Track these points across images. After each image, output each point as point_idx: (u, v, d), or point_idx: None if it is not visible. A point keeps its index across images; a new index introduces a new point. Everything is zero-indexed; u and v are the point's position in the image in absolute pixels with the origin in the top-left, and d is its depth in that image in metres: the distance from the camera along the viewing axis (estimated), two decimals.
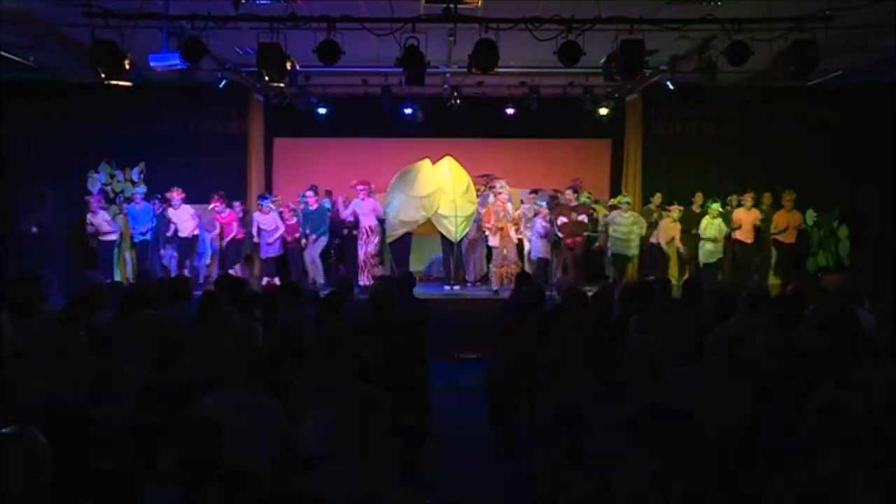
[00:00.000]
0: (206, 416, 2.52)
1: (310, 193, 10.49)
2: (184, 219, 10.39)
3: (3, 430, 2.16)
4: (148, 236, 10.51)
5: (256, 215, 10.48)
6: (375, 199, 10.36)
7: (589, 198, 10.87)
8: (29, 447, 2.12)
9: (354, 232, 10.43)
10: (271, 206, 10.44)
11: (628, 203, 10.59)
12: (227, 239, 10.66)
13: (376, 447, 2.41)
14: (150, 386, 3.28)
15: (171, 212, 10.40)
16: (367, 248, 10.19)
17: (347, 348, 3.53)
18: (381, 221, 10.34)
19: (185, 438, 2.31)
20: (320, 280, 10.37)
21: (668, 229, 10.61)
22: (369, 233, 10.23)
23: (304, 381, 3.58)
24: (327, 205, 10.99)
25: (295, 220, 10.57)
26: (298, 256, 10.52)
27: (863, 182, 11.56)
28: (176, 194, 10.34)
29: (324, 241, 10.53)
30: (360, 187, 10.21)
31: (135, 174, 11.39)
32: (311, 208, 10.41)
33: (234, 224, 10.64)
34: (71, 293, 5.52)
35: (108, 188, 11.18)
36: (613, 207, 10.75)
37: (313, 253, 10.44)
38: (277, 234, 10.47)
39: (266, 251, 10.53)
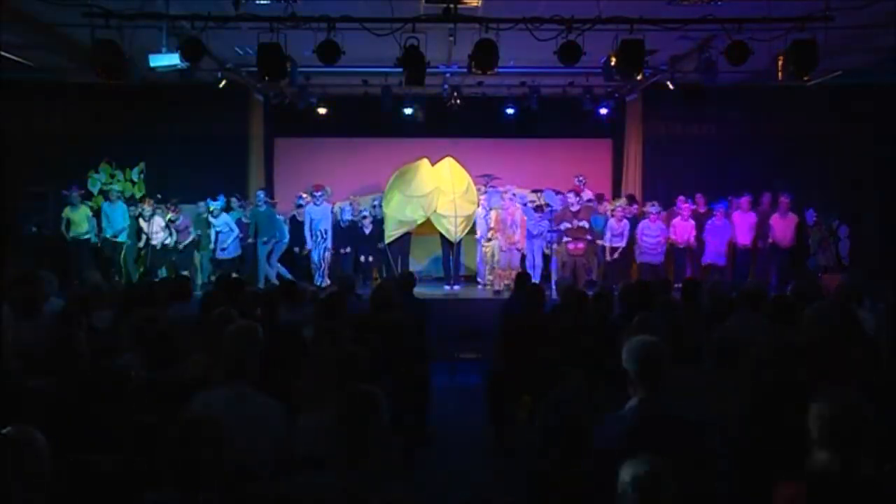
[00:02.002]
0: (202, 414, 2.52)
1: (260, 193, 10.50)
2: (155, 230, 10.34)
3: (3, 431, 2.15)
4: (122, 237, 10.37)
5: (210, 218, 10.44)
6: (330, 204, 10.54)
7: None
8: (28, 447, 2.12)
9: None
10: (219, 209, 10.38)
11: (655, 213, 10.47)
12: (183, 244, 10.55)
13: (375, 447, 2.41)
14: (150, 386, 3.28)
15: (141, 222, 10.38)
16: (321, 250, 10.34)
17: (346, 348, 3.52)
18: (336, 227, 10.48)
19: (185, 438, 2.30)
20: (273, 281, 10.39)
21: (682, 228, 10.55)
22: (322, 236, 10.31)
23: (304, 381, 3.58)
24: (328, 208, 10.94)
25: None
26: (252, 257, 10.51)
27: (863, 182, 11.55)
28: (147, 204, 10.35)
29: (274, 242, 10.46)
30: (318, 193, 10.32)
31: (135, 174, 11.38)
32: (259, 209, 10.39)
33: (189, 229, 10.53)
34: (71, 293, 5.52)
35: (108, 188, 11.17)
36: (644, 216, 10.62)
37: (263, 256, 10.36)
38: (232, 237, 10.43)
39: (220, 254, 10.47)
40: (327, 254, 10.42)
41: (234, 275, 9.58)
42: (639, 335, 3.00)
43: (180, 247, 10.41)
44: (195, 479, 2.24)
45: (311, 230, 10.39)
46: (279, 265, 10.58)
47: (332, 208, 10.68)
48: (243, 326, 3.64)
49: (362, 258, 10.62)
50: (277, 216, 10.60)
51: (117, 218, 10.38)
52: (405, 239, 10.73)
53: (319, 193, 10.38)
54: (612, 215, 10.44)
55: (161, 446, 2.40)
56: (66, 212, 10.24)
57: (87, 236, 10.29)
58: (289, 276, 10.30)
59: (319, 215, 10.37)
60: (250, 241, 10.41)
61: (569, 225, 9.85)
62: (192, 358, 3.81)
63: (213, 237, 10.43)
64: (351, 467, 2.35)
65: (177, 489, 2.24)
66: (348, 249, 10.59)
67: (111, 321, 4.79)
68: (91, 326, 4.43)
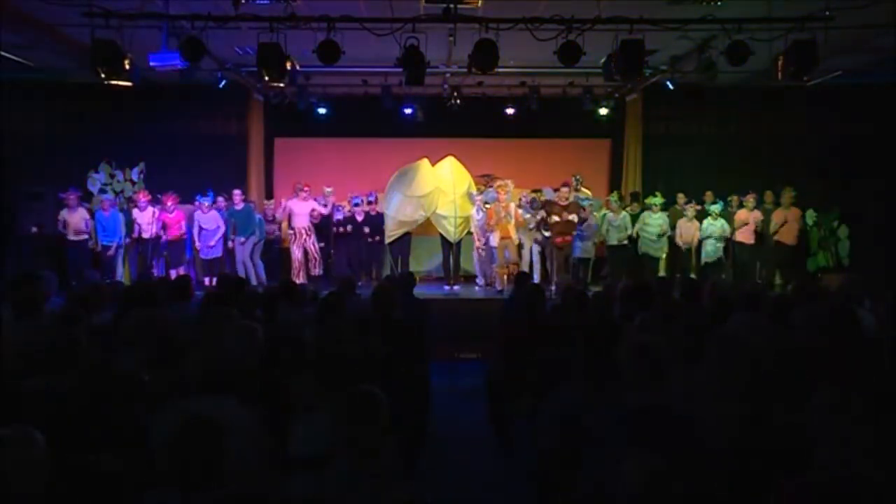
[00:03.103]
0: (202, 415, 2.51)
1: (237, 192, 10.50)
2: (147, 221, 10.32)
3: (2, 431, 2.15)
4: (116, 241, 10.31)
5: (197, 214, 10.41)
6: (315, 202, 10.53)
7: (586, 197, 10.81)
8: (27, 447, 2.12)
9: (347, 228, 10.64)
10: (207, 204, 10.37)
11: (657, 205, 10.49)
12: (170, 238, 10.49)
13: (375, 447, 2.41)
14: (150, 386, 3.27)
15: (136, 213, 10.37)
16: (305, 247, 10.36)
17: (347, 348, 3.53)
18: (319, 220, 10.46)
19: (186, 438, 2.31)
20: (262, 278, 10.47)
21: (686, 228, 10.61)
22: (304, 233, 10.35)
23: (304, 381, 3.58)
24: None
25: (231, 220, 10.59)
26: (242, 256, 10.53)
27: (863, 182, 11.55)
28: (142, 196, 10.36)
29: (254, 241, 10.51)
30: (306, 189, 10.38)
31: (135, 174, 11.38)
32: (236, 207, 10.40)
33: (183, 223, 10.52)
34: (71, 293, 5.52)
35: (108, 188, 11.15)
36: (645, 208, 10.70)
37: (244, 254, 10.41)
38: (219, 234, 10.42)
39: (207, 252, 10.45)
40: (313, 249, 10.42)
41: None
42: (637, 335, 3.01)
43: (170, 238, 10.40)
44: (195, 479, 2.24)
45: (291, 227, 10.40)
46: (261, 263, 10.64)
47: (330, 207, 10.67)
48: (243, 326, 3.65)
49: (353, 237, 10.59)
50: (255, 214, 10.62)
51: (112, 228, 10.30)
52: (405, 239, 10.74)
53: (307, 190, 10.42)
54: (610, 209, 10.48)
55: (161, 446, 2.40)
56: (63, 214, 10.20)
57: (84, 237, 10.26)
58: (263, 275, 10.42)
59: (300, 211, 10.38)
60: (229, 243, 10.44)
61: (557, 219, 9.88)
62: (192, 358, 3.81)
63: (197, 234, 10.42)
64: (351, 467, 2.35)
65: (177, 489, 2.24)
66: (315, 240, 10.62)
67: (111, 321, 4.78)
68: (91, 326, 4.43)
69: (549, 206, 10.05)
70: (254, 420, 3.00)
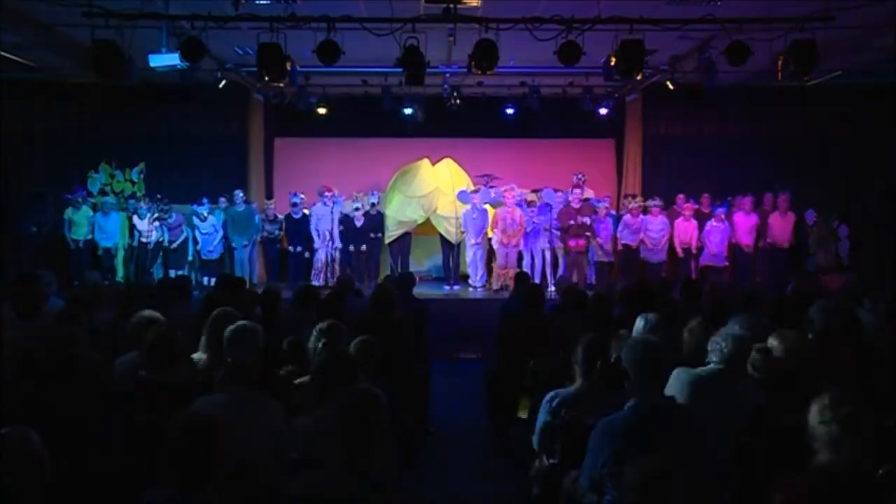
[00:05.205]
0: (202, 414, 2.52)
1: (238, 192, 10.54)
2: (147, 228, 10.34)
3: (1, 431, 2.15)
4: (115, 243, 10.35)
5: (196, 221, 10.48)
6: (340, 205, 10.55)
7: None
8: (26, 447, 2.12)
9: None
10: (206, 213, 10.42)
11: (658, 206, 10.46)
12: (171, 239, 10.49)
13: (375, 447, 2.41)
14: (150, 386, 3.27)
15: (135, 219, 10.39)
16: (328, 251, 10.38)
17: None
18: (344, 224, 10.48)
19: (186, 438, 2.31)
20: (255, 280, 10.52)
21: (685, 229, 10.58)
22: (328, 236, 10.36)
23: (304, 381, 3.59)
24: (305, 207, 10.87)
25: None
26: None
27: (863, 182, 11.55)
28: (144, 204, 10.38)
29: (254, 241, 10.61)
30: (328, 194, 10.38)
31: (135, 174, 11.38)
32: (238, 209, 10.45)
33: (183, 226, 10.53)
34: (71, 293, 5.52)
35: (108, 188, 11.16)
36: (644, 211, 10.63)
37: (243, 255, 10.50)
38: (217, 239, 10.49)
39: (207, 254, 10.54)
40: (336, 254, 10.44)
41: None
42: (637, 334, 3.01)
43: (174, 245, 10.43)
44: (195, 478, 2.24)
45: (317, 230, 10.38)
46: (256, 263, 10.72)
47: (333, 209, 10.69)
48: (243, 326, 3.65)
49: (352, 247, 10.53)
50: (256, 216, 10.64)
51: (111, 230, 10.34)
52: (405, 239, 10.73)
53: (329, 195, 10.40)
54: (629, 211, 10.44)
55: (161, 446, 2.40)
56: (68, 213, 10.23)
57: (87, 237, 10.27)
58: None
59: (324, 216, 10.38)
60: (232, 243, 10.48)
61: (572, 222, 9.86)
62: (192, 358, 3.81)
63: (199, 240, 10.47)
64: (351, 467, 2.35)
65: (177, 489, 2.24)
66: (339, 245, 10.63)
67: (111, 321, 4.78)
68: (91, 326, 4.43)
69: (563, 210, 10.02)
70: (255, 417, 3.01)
